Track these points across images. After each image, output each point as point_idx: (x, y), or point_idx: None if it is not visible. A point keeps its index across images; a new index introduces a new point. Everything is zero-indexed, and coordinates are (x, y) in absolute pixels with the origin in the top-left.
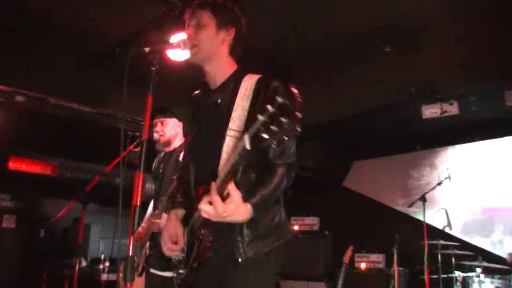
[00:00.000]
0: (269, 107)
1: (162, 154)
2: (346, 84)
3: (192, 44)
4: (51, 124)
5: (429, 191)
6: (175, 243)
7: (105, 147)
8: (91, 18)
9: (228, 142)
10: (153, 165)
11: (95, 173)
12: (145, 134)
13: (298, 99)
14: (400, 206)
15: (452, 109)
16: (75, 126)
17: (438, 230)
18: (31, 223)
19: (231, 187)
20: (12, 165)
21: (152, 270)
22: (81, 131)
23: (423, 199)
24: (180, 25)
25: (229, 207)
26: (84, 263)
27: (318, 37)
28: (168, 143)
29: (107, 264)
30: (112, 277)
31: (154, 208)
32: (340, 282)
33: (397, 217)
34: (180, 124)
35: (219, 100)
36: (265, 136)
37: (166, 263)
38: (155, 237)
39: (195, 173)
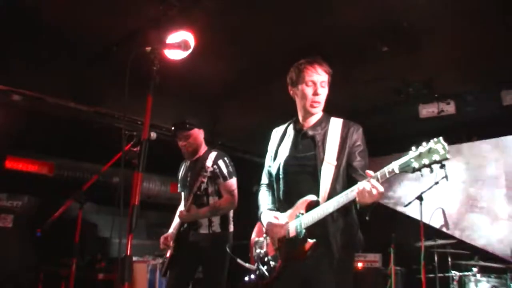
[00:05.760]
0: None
1: (188, 163)
2: (343, 84)
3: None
4: (48, 123)
5: (426, 190)
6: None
7: (102, 146)
8: (89, 17)
9: (325, 168)
10: (180, 173)
11: (92, 172)
12: (145, 134)
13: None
14: (397, 205)
15: (449, 108)
16: (72, 125)
17: (435, 230)
18: (28, 223)
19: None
20: (9, 164)
21: None
22: (78, 130)
23: (420, 198)
24: (177, 24)
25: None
26: (81, 263)
27: (316, 36)
28: (195, 152)
29: (104, 263)
30: (109, 276)
31: None
32: None
33: (394, 216)
34: (201, 131)
35: (314, 134)
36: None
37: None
38: (179, 238)
39: (288, 187)
